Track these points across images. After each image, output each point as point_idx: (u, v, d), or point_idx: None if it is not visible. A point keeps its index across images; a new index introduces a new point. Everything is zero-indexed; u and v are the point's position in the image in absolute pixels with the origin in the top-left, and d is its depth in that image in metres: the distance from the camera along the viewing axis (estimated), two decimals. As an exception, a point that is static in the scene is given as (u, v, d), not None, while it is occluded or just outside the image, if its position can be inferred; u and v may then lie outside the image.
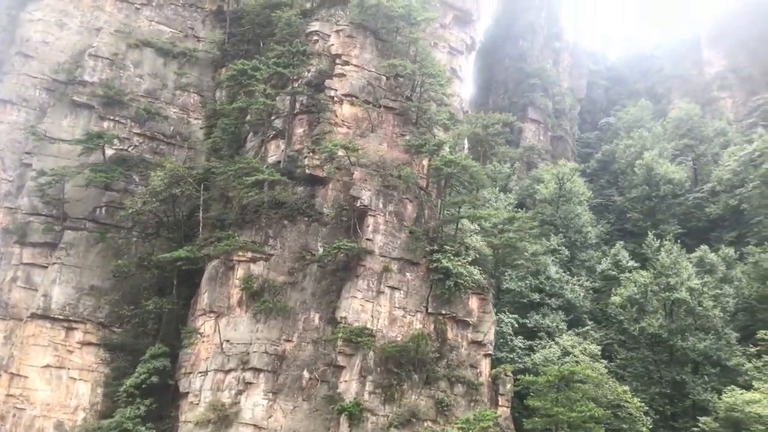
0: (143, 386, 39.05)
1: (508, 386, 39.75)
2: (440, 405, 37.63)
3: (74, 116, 48.37)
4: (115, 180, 46.54)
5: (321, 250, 40.79)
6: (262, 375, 37.61)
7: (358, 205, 40.54)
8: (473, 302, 40.74)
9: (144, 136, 49.28)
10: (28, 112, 48.05)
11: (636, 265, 58.63)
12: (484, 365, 40.03)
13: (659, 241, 59.57)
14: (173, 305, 41.89)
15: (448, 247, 39.84)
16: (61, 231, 45.12)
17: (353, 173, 40.97)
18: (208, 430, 36.71)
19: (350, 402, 36.26)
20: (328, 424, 37.62)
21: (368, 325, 37.85)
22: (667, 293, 49.86)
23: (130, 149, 48.41)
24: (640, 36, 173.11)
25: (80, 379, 43.09)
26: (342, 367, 38.31)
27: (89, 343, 43.62)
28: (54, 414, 42.34)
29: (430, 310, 39.81)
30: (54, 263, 44.26)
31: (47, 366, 42.86)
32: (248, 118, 47.49)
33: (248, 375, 37.70)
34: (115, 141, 46.98)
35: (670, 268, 51.64)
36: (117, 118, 48.49)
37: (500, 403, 39.36)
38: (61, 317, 43.18)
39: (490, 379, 39.81)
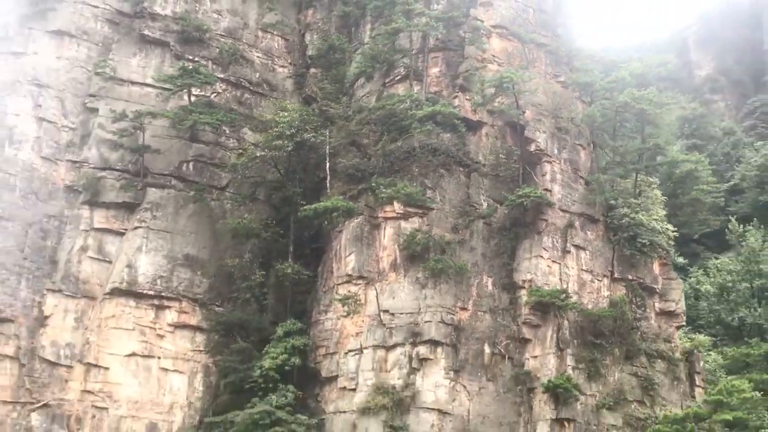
0: (284, 369, 31.28)
1: (702, 363, 34.90)
2: (645, 383, 32.26)
3: (144, 54, 39.83)
4: (203, 131, 38.52)
5: (485, 204, 34.63)
6: (440, 349, 30.79)
7: (532, 149, 34.73)
8: (656, 267, 35.73)
9: (228, 82, 41.23)
10: (90, 48, 39.01)
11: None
12: (677, 338, 34.92)
13: (742, 226, 56.76)
14: (301, 274, 34.21)
15: (634, 201, 34.64)
16: (142, 189, 36.49)
17: (524, 112, 34.97)
18: (381, 419, 29.48)
19: (554, 378, 30.16)
20: (518, 408, 31.37)
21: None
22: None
23: (212, 96, 40.36)
24: (626, 37, 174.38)
25: (174, 370, 34.61)
26: (527, 341, 32.21)
27: (184, 326, 35.20)
28: (144, 414, 33.66)
29: (615, 275, 34.40)
30: (137, 227, 35.61)
31: (132, 354, 34.15)
32: (355, 62, 40.81)
33: (423, 350, 30.78)
34: (199, 85, 38.83)
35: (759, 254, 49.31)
36: (196, 59, 40.28)
37: (697, 383, 34.36)
38: (151, 293, 34.59)
39: (683, 355, 34.76)
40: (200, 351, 35.20)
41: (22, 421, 32.64)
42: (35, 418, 32.54)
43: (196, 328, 35.32)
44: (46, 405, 32.93)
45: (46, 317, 34.11)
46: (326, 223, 34.70)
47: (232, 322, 34.29)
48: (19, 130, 35.91)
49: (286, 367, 31.28)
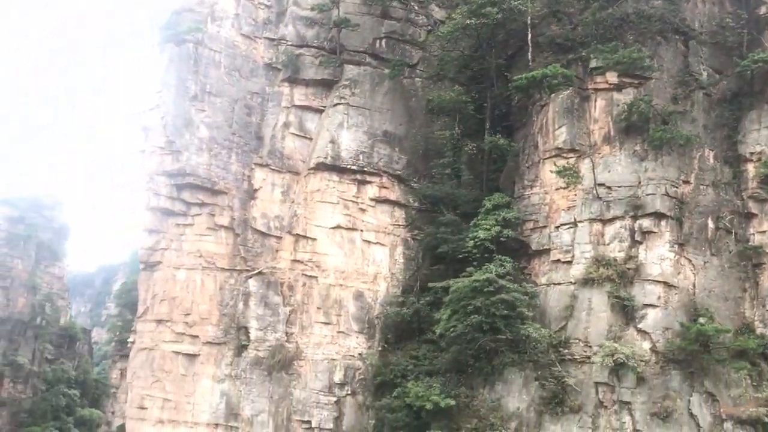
0: (498, 241, 31.33)
1: None
2: None
3: (329, -69, 38.95)
4: (393, 7, 37.70)
5: (704, 74, 32.49)
6: (664, 222, 29.79)
7: (762, 11, 31.96)
8: None
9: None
10: None
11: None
12: None
13: None
14: (504, 147, 33.60)
15: None
16: (339, 66, 36.49)
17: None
18: (605, 290, 29.17)
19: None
20: (743, 283, 30.29)
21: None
22: None
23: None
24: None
25: (376, 243, 35.43)
26: (753, 215, 30.70)
27: (385, 200, 35.73)
28: (351, 283, 34.85)
29: None
30: (336, 104, 35.85)
31: (337, 227, 35.11)
32: None
33: (646, 223, 29.86)
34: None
35: None
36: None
37: None
38: (354, 168, 35.08)
39: None
40: (399, 225, 35.82)
41: (239, 287, 34.68)
42: (252, 284, 34.46)
43: (395, 203, 35.84)
44: (260, 273, 34.77)
45: (256, 190, 35.53)
46: (531, 96, 33.58)
47: (438, 196, 34.42)
48: (219, 7, 36.43)
49: (502, 238, 31.26)
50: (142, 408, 34.07)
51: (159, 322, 34.61)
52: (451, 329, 29.94)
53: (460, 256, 31.84)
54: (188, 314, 34.35)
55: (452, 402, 28.90)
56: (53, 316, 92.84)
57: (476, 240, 31.34)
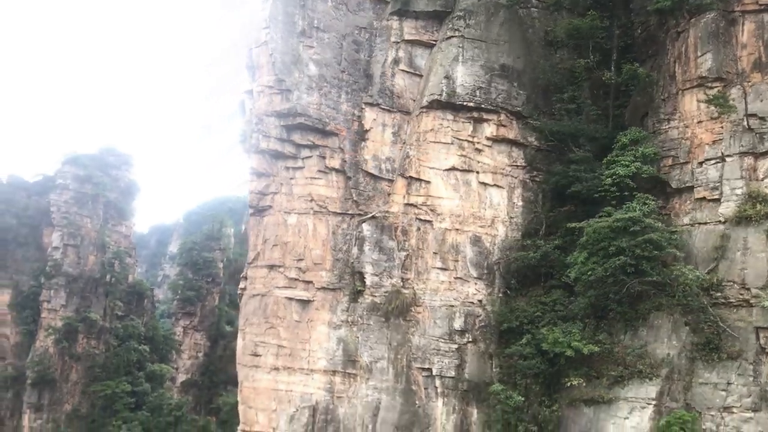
0: (639, 178, 29.18)
1: None
2: None
3: None
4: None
5: None
6: (824, 154, 27.31)
7: None
8: None
9: None
10: None
11: None
12: None
13: None
14: (648, 75, 31.13)
15: None
16: (451, -4, 34.27)
17: None
18: (763, 228, 26.82)
19: None
20: None
21: None
22: None
23: None
24: None
25: (493, 185, 33.62)
26: None
27: (502, 140, 33.75)
28: (467, 227, 33.20)
29: None
30: (450, 37, 33.70)
31: (452, 169, 33.35)
32: None
33: (805, 155, 27.42)
34: None
35: None
36: None
37: None
38: (471, 104, 33.06)
39: None
40: (517, 166, 33.88)
41: (352, 232, 33.36)
42: (365, 229, 33.08)
43: (513, 143, 33.84)
44: (373, 217, 33.34)
45: (366, 131, 33.91)
46: (664, 23, 30.92)
47: (566, 132, 32.30)
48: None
49: (643, 175, 29.09)
50: (256, 355, 33.38)
51: (271, 267, 33.63)
52: (589, 272, 28.18)
53: (596, 195, 29.78)
54: (301, 259, 33.27)
55: (596, 348, 27.27)
56: (122, 274, 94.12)
57: (614, 177, 29.23)
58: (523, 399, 28.50)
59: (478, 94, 33.15)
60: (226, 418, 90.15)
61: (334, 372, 32.17)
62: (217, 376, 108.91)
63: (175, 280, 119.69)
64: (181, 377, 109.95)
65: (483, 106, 33.15)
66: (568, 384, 27.82)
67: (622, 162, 29.35)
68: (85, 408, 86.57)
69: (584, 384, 27.51)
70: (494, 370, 31.49)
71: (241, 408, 33.67)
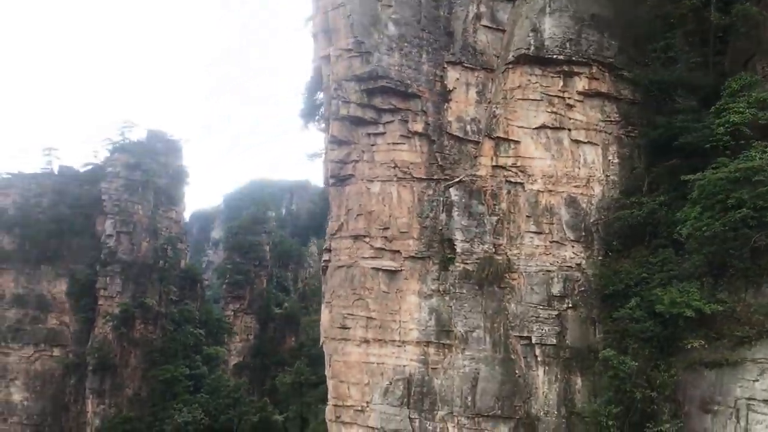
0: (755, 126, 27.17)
1: None
2: None
3: None
4: None
5: None
6: None
7: None
8: None
9: None
10: None
11: None
12: None
13: None
14: (760, 14, 28.94)
15: None
16: (533, -57, 32.32)
17: None
18: None
19: None
20: None
21: None
22: None
23: None
24: None
25: (587, 142, 31.90)
26: None
27: (595, 94, 31.94)
28: (561, 188, 31.61)
29: None
30: (537, -13, 31.86)
31: (542, 127, 31.71)
32: None
33: None
34: None
35: None
36: None
37: None
38: (561, 57, 31.26)
39: None
40: (611, 121, 32.07)
41: (439, 198, 32.01)
42: (453, 194, 31.68)
43: (606, 96, 31.99)
44: (460, 181, 31.92)
45: (449, 91, 32.36)
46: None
47: (667, 81, 30.32)
48: None
49: (760, 122, 27.07)
50: (345, 327, 32.41)
51: (356, 238, 32.52)
52: (704, 228, 26.37)
53: (707, 146, 27.85)
54: (386, 228, 32.08)
55: (719, 307, 25.55)
56: (174, 259, 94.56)
57: (727, 126, 27.25)
58: (636, 364, 26.98)
59: (567, 46, 31.32)
60: (283, 398, 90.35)
61: (428, 343, 31.02)
62: (269, 358, 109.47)
63: (223, 264, 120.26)
64: (233, 360, 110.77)
65: (573, 58, 31.32)
66: (687, 346, 26.16)
67: (735, 109, 27.35)
68: (146, 392, 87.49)
69: (705, 346, 25.83)
70: (598, 335, 29.99)
71: (331, 382, 32.80)
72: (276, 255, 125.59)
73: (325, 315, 33.67)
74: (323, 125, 34.28)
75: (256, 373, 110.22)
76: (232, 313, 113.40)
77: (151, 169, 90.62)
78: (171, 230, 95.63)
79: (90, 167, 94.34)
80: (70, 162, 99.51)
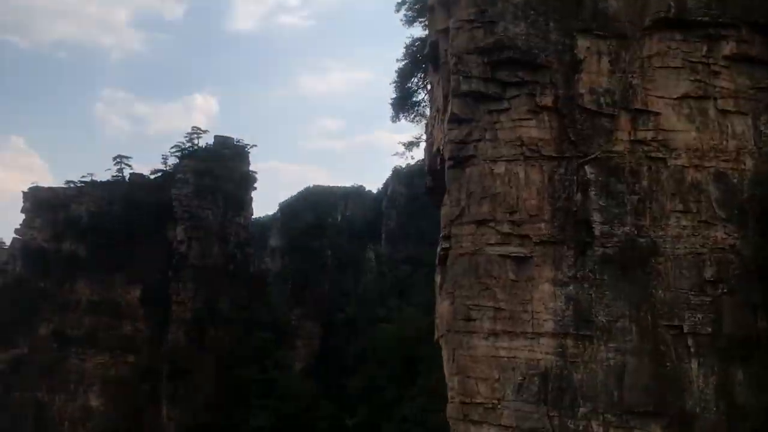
0: None
1: None
2: None
3: None
4: None
5: None
6: None
7: None
8: None
9: None
10: None
11: None
12: None
13: None
14: None
15: None
16: None
17: None
18: None
19: None
20: None
21: None
22: None
23: None
24: None
25: (735, 112, 28.97)
26: None
27: (743, 58, 29.04)
28: (708, 163, 28.72)
29: None
30: (674, -55, 29.24)
31: (684, 96, 28.94)
32: None
33: None
34: None
35: None
36: None
37: None
38: (705, 20, 28.55)
39: None
40: (762, 88, 29.08)
41: (572, 177, 29.53)
42: (589, 172, 29.18)
43: (756, 61, 29.06)
44: (596, 158, 29.37)
45: (580, 61, 29.80)
46: None
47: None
48: None
49: None
50: (470, 320, 30.09)
51: (479, 223, 30.25)
52: None
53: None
54: (513, 212, 29.73)
55: None
56: (244, 264, 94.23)
57: None
58: (817, 354, 23.99)
59: (713, 6, 28.58)
60: (355, 402, 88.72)
61: (566, 335, 28.47)
62: (333, 362, 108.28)
63: (284, 269, 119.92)
64: (298, 365, 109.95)
65: (720, 20, 28.54)
66: None
67: None
68: (219, 397, 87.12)
69: None
70: (761, 322, 27.01)
71: (457, 378, 30.50)
72: (336, 260, 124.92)
73: (445, 306, 31.48)
74: (412, 116, 32.50)
75: (321, 377, 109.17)
76: (295, 318, 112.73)
77: (220, 175, 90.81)
78: (239, 235, 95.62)
79: (160, 174, 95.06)
80: (140, 169, 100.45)
